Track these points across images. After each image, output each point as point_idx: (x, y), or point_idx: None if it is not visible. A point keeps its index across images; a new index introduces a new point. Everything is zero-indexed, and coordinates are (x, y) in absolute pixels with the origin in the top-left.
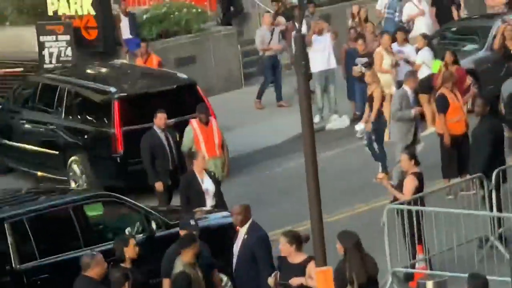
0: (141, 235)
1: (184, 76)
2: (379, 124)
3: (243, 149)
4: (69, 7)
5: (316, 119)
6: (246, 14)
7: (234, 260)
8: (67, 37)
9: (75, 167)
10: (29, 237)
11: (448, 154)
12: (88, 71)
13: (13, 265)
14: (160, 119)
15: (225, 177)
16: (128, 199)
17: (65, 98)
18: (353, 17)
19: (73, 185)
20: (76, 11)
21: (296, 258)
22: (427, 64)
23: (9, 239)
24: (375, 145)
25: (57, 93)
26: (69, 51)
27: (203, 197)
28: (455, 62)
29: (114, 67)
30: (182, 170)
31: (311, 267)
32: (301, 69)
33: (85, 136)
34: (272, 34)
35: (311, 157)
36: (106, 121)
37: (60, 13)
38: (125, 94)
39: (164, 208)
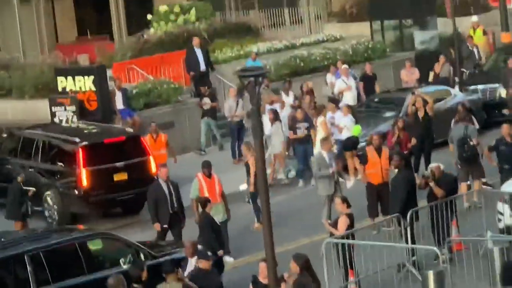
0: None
1: (131, 130)
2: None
3: None
4: (74, 84)
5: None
6: (214, 89)
7: None
8: (73, 108)
9: (48, 199)
10: (44, 267)
11: (371, 198)
12: (59, 127)
13: None
14: (163, 172)
15: (227, 219)
16: (122, 237)
17: (40, 147)
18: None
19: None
20: (80, 88)
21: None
22: (348, 128)
23: (29, 268)
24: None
25: (35, 143)
26: (75, 119)
27: None
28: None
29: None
30: (182, 212)
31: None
32: (257, 134)
33: (56, 176)
34: (237, 104)
35: (266, 202)
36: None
37: (67, 89)
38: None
39: (151, 243)
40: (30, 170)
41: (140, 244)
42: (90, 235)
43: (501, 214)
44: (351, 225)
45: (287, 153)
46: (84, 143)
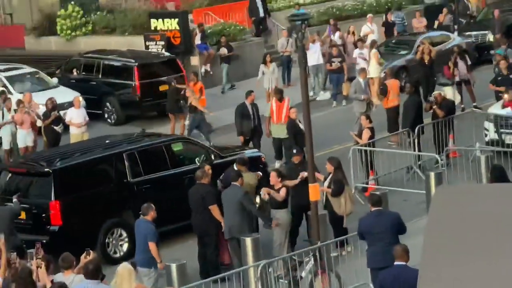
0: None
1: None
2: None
3: None
4: (163, 24)
5: (310, 93)
6: (269, 31)
7: None
8: (162, 43)
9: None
10: (138, 163)
11: (391, 119)
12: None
13: (128, 179)
14: (251, 97)
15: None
16: (197, 140)
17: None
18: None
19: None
20: (167, 27)
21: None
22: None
23: (126, 164)
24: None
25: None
26: (163, 51)
27: None
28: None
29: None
30: (260, 128)
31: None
32: (302, 64)
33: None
34: (287, 42)
35: (307, 118)
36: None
37: (158, 28)
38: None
39: (221, 146)
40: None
41: (212, 147)
42: (174, 139)
43: (487, 130)
44: (372, 136)
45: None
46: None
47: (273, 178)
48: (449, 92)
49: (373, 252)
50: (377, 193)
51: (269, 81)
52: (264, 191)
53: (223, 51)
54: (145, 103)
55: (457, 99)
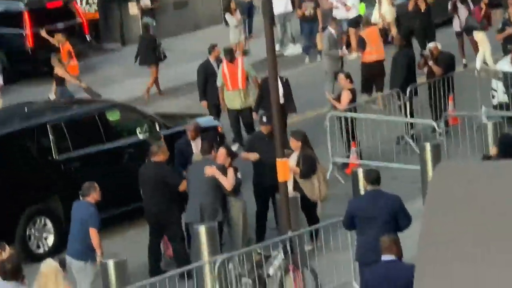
0: (148, 133)
1: None
2: None
3: None
4: None
5: (277, 47)
6: None
7: None
8: None
9: None
10: (65, 136)
11: (367, 78)
12: None
13: (54, 156)
14: (215, 53)
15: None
16: (138, 107)
17: None
18: None
19: None
20: None
21: None
22: (355, 6)
23: (51, 137)
24: None
25: None
26: None
27: None
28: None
29: None
30: None
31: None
32: (267, 12)
33: None
34: None
35: (274, 78)
36: None
37: None
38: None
39: (167, 114)
40: None
41: (157, 115)
42: (108, 106)
43: (495, 91)
44: (353, 100)
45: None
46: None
47: (221, 156)
48: (483, 39)
49: (364, 242)
50: (361, 170)
51: (238, 34)
52: (208, 171)
53: (145, 2)
54: (39, 56)
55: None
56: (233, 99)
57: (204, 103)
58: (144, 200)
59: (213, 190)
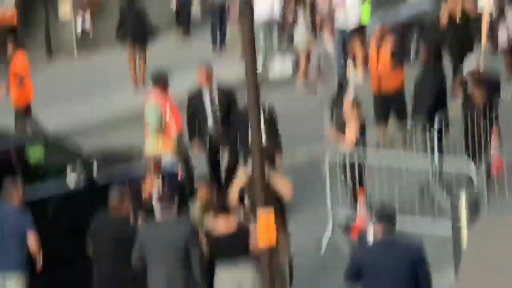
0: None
1: None
2: None
3: None
4: None
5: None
6: None
7: None
8: None
9: None
10: None
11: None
12: None
13: None
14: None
15: None
16: (66, 141)
17: None
18: None
19: None
20: None
21: None
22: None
23: None
24: None
25: None
26: None
27: None
28: None
29: None
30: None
31: None
32: (246, 15)
33: None
34: None
35: (254, 113)
36: None
37: None
38: None
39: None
40: None
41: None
42: (29, 140)
43: None
44: (361, 133)
45: None
46: None
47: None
48: None
49: None
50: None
51: None
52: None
53: None
54: None
55: None
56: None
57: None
58: (96, 269)
59: (185, 256)
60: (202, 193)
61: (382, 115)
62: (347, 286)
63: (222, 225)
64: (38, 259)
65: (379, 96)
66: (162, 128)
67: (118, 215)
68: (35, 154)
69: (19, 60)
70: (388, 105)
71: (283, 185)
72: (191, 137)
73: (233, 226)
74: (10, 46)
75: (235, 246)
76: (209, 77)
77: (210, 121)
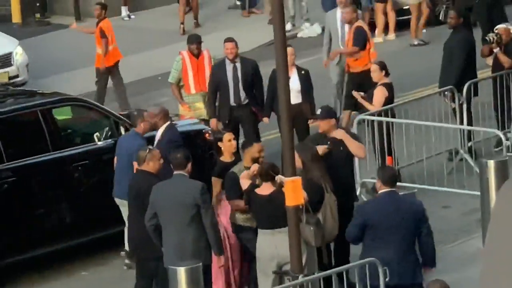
0: (110, 140)
1: None
2: None
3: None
4: None
5: (288, 26)
6: None
7: None
8: None
9: None
10: None
11: None
12: None
13: None
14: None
15: None
16: (98, 104)
17: None
18: None
19: None
20: None
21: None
22: None
23: None
24: None
25: None
26: None
27: None
28: None
29: None
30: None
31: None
32: None
33: None
34: None
35: (283, 71)
36: None
37: None
38: None
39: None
40: None
41: (123, 115)
42: (58, 101)
43: None
44: (390, 98)
45: None
46: None
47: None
48: None
49: (384, 260)
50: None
51: None
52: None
53: None
54: None
55: None
56: (196, 104)
57: (213, 121)
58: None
59: (196, 222)
60: (253, 151)
61: None
62: (352, 242)
63: (265, 189)
64: None
65: None
66: (179, 85)
67: (144, 169)
68: (63, 114)
69: (105, 21)
70: None
71: (355, 146)
72: (211, 115)
73: (276, 191)
74: (97, 8)
75: (276, 209)
76: (232, 50)
77: (231, 93)
